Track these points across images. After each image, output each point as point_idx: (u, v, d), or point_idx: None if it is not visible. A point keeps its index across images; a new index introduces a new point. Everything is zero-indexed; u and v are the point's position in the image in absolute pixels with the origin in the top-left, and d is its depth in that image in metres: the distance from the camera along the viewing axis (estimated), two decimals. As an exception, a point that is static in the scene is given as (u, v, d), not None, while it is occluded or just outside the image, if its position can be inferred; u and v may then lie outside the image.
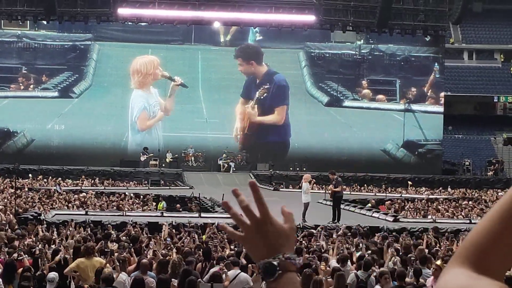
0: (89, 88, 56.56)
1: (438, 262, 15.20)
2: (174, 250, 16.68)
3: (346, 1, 55.92)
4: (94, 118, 55.83)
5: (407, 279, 13.42)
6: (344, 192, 30.40)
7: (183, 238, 19.35)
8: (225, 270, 13.64)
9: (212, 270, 13.90)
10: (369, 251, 17.19)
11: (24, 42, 56.78)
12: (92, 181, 46.47)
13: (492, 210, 1.99)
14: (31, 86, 56.42)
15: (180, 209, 33.64)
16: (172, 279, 12.98)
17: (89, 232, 20.42)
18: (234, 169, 53.88)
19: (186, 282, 12.18)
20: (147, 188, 45.41)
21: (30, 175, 46.50)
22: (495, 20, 68.61)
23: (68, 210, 28.64)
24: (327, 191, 32.35)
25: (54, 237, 18.84)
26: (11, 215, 24.00)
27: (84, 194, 35.50)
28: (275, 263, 2.28)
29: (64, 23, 55.56)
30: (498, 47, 68.25)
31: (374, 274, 13.99)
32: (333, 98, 58.17)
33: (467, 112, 67.10)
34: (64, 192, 36.18)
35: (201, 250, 16.15)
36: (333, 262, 15.29)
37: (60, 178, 45.87)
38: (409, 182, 48.11)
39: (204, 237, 20.26)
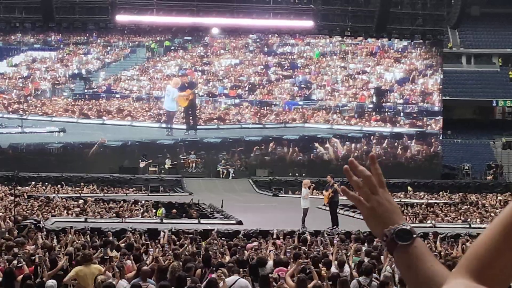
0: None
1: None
2: (172, 256, 16.66)
3: (344, 6, 55.99)
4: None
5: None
6: (341, 197, 30.32)
7: (184, 245, 19.34)
8: (223, 277, 13.63)
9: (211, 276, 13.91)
10: (369, 257, 17.18)
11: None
12: (92, 188, 46.45)
13: (494, 222, 2.01)
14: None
15: (176, 214, 33.63)
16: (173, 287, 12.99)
17: (88, 239, 20.41)
18: (233, 175, 53.89)
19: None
20: (147, 194, 45.37)
21: (33, 182, 46.43)
22: (493, 24, 68.69)
23: (68, 218, 28.60)
24: (322, 196, 32.29)
25: (54, 245, 18.84)
26: (11, 223, 23.99)
27: (83, 201, 35.47)
28: (408, 227, 2.32)
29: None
30: (496, 51, 68.32)
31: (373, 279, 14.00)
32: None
33: (466, 116, 67.16)
34: (64, 200, 36.14)
35: (201, 256, 16.15)
36: (332, 268, 15.30)
37: (59, 185, 45.88)
38: (409, 188, 48.08)
39: (203, 243, 20.25)
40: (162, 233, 21.79)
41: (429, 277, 2.24)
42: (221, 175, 54.02)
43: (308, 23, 56.17)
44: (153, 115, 57.68)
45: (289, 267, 15.21)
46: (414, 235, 2.31)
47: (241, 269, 14.42)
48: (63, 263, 15.33)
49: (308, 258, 16.37)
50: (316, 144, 57.52)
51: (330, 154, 57.42)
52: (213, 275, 13.89)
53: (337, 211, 28.87)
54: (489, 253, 1.98)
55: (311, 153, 57.45)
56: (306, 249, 18.57)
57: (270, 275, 14.26)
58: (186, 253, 16.96)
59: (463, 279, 1.99)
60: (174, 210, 34.81)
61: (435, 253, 18.44)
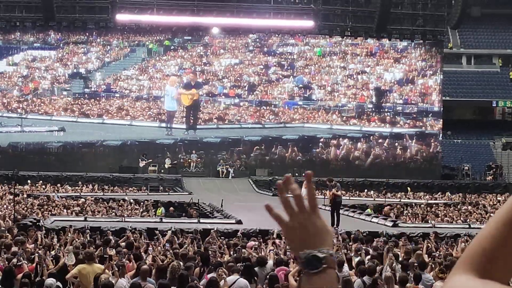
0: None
1: (437, 270, 15.19)
2: (172, 255, 16.65)
3: (345, 6, 55.99)
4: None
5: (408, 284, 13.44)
6: (343, 198, 30.33)
7: (185, 244, 19.34)
8: (224, 276, 13.63)
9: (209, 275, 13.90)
10: (368, 257, 17.19)
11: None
12: (92, 187, 46.46)
13: (496, 216, 1.99)
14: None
15: (174, 211, 33.64)
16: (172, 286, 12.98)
17: (88, 238, 20.41)
18: (233, 175, 53.85)
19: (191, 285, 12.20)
20: (146, 194, 45.36)
21: (28, 181, 46.44)
22: (494, 25, 68.69)
23: (67, 216, 28.60)
24: (325, 197, 32.27)
25: (53, 243, 18.84)
26: (10, 222, 23.99)
27: (83, 200, 35.48)
28: (320, 255, 2.23)
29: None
30: (496, 52, 68.33)
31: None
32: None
33: (466, 117, 67.15)
34: (63, 198, 36.13)
35: (200, 255, 16.13)
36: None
37: (58, 184, 45.89)
38: (409, 188, 48.07)
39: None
40: (158, 233, 21.79)
41: None
42: (220, 175, 54.00)
43: (309, 23, 56.17)
44: (153, 115, 57.65)
45: (289, 266, 15.20)
46: (324, 265, 2.22)
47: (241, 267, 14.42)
48: (63, 261, 15.33)
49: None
50: (320, 145, 57.46)
51: (330, 154, 57.36)
52: (210, 275, 13.87)
53: (339, 211, 28.88)
54: (492, 246, 1.96)
55: (311, 153, 57.38)
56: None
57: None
58: (186, 252, 16.95)
59: (466, 275, 1.97)
60: (171, 208, 34.80)
61: (434, 254, 18.44)
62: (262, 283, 14.14)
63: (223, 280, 13.47)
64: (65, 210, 30.88)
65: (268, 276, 13.53)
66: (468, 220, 31.26)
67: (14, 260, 14.65)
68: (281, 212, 2.36)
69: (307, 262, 2.24)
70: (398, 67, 59.75)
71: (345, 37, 57.55)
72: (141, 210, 33.70)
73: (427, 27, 56.79)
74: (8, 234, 19.57)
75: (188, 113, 57.48)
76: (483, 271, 1.96)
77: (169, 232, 22.05)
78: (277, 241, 20.12)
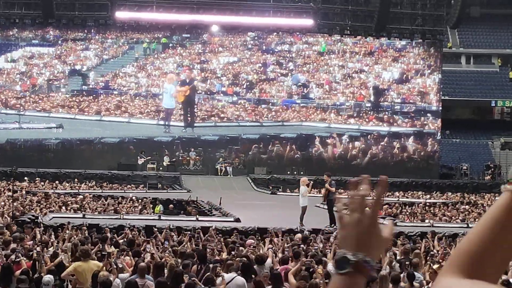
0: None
1: (435, 266, 15.20)
2: (170, 253, 16.65)
3: (344, 5, 56.00)
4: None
5: (402, 284, 13.44)
6: (341, 197, 30.21)
7: (183, 241, 19.34)
8: (222, 273, 13.62)
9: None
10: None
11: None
12: (90, 184, 46.44)
13: (483, 218, 2.04)
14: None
15: (173, 209, 33.62)
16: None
17: (85, 235, 20.40)
18: (231, 173, 53.77)
19: (185, 286, 12.18)
20: (145, 191, 45.35)
21: (26, 178, 46.38)
22: (493, 25, 68.72)
23: (66, 213, 28.57)
24: (320, 194, 32.26)
25: (51, 240, 18.82)
26: (9, 218, 23.96)
27: (81, 197, 35.46)
28: (352, 259, 2.24)
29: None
30: (495, 52, 68.38)
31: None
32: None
33: (464, 116, 67.20)
34: (62, 195, 36.11)
35: (197, 253, 16.11)
36: (330, 266, 15.26)
37: (57, 181, 45.89)
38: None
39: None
40: (156, 231, 21.78)
41: None
42: (219, 173, 54.00)
43: (308, 22, 56.18)
44: (151, 112, 57.63)
45: (288, 264, 15.20)
46: (350, 270, 2.22)
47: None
48: (60, 258, 15.31)
49: (307, 256, 16.34)
50: (317, 143, 57.45)
51: (328, 152, 57.38)
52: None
53: (334, 209, 28.88)
54: (480, 248, 2.00)
55: (309, 151, 57.39)
56: (305, 247, 18.55)
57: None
58: (184, 250, 16.94)
59: (454, 278, 1.99)
60: (171, 206, 34.78)
61: (432, 252, 18.45)
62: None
63: (220, 278, 13.47)
64: (63, 207, 30.84)
65: (271, 275, 13.50)
66: (467, 219, 31.24)
67: (13, 257, 14.64)
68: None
69: (338, 261, 2.26)
70: (396, 66, 59.78)
71: (344, 36, 57.51)
72: (140, 207, 33.66)
73: (426, 27, 56.82)
74: (6, 230, 19.54)
75: (185, 111, 57.47)
76: (472, 272, 1.99)
77: (165, 230, 22.03)
78: (275, 239, 20.11)
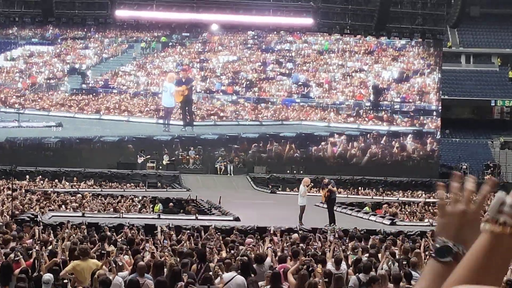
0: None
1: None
2: (170, 252, 16.63)
3: (344, 4, 55.99)
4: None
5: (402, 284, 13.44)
6: (341, 195, 30.33)
7: (182, 240, 19.33)
8: (220, 272, 13.61)
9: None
10: (367, 254, 17.17)
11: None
12: (90, 183, 46.43)
13: (465, 260, 2.10)
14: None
15: (173, 208, 33.60)
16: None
17: (84, 233, 20.38)
18: (232, 172, 53.71)
19: (184, 285, 12.17)
20: (144, 190, 45.35)
21: (27, 176, 46.39)
22: (493, 24, 68.73)
23: (65, 212, 28.56)
24: (319, 194, 32.26)
25: (51, 239, 18.80)
26: (8, 217, 23.93)
27: (80, 195, 35.45)
28: (454, 249, 2.29)
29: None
30: (495, 51, 68.37)
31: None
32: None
33: (464, 116, 67.20)
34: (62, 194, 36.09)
35: (196, 252, 16.09)
36: (329, 265, 15.26)
37: (56, 180, 45.88)
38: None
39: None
40: (159, 228, 21.80)
41: None
42: (218, 172, 54.00)
43: (308, 21, 56.16)
44: (150, 111, 57.62)
45: (287, 263, 15.19)
46: (451, 259, 2.27)
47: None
48: (60, 256, 15.29)
49: (306, 255, 16.34)
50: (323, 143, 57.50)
51: (327, 152, 57.39)
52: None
53: (334, 209, 28.91)
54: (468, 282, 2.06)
55: (308, 150, 57.38)
56: (304, 246, 18.55)
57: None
58: (183, 249, 16.93)
59: None
60: (171, 204, 34.77)
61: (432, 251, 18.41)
62: (260, 280, 14.11)
63: (219, 277, 13.46)
64: (63, 206, 30.83)
65: (271, 274, 13.48)
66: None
67: (12, 255, 14.62)
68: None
69: (439, 249, 2.30)
70: (396, 66, 59.76)
71: (344, 35, 57.49)
72: (139, 206, 33.66)
73: (426, 26, 56.82)
74: (6, 229, 19.52)
75: (184, 110, 57.45)
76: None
77: (164, 228, 22.03)
78: (274, 238, 20.10)
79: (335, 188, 28.21)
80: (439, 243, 2.31)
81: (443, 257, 2.28)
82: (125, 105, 57.36)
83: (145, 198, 36.56)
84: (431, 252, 2.32)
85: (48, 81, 57.52)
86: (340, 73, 59.40)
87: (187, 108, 57.37)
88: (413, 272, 14.34)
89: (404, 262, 15.53)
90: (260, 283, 13.71)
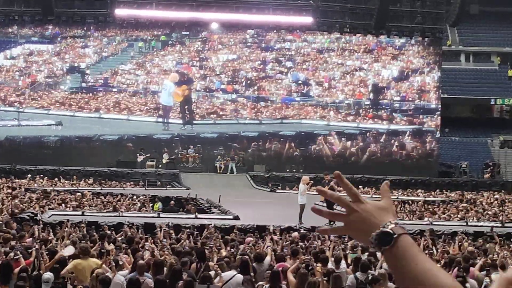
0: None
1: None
2: (169, 251, 16.64)
3: (344, 3, 55.99)
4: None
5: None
6: (340, 194, 30.19)
7: (181, 239, 19.33)
8: (220, 271, 13.61)
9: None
10: (366, 253, 17.17)
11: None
12: (89, 182, 46.40)
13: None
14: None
15: (174, 206, 33.58)
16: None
17: (84, 232, 20.39)
18: (235, 170, 53.63)
19: (184, 283, 12.17)
20: (144, 189, 45.32)
21: (29, 175, 46.34)
22: (492, 23, 68.72)
23: (65, 211, 28.55)
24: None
25: (50, 238, 18.80)
26: (7, 215, 23.93)
27: (80, 194, 35.43)
28: (387, 229, 2.31)
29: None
30: (495, 50, 68.35)
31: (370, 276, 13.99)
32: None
33: (463, 114, 67.18)
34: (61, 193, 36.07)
35: (196, 251, 16.10)
36: (330, 264, 15.27)
37: (56, 179, 45.86)
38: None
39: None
40: (158, 227, 21.80)
41: (415, 276, 2.25)
42: (218, 170, 53.99)
43: (308, 20, 56.18)
44: (150, 110, 57.61)
45: (286, 262, 15.19)
46: (395, 235, 2.28)
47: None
48: (59, 255, 15.28)
49: (305, 254, 16.34)
50: (318, 141, 57.44)
51: (326, 150, 57.38)
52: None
53: (334, 207, 28.86)
54: None
55: (308, 149, 57.38)
56: (303, 245, 18.56)
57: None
58: (183, 248, 16.93)
59: None
60: (172, 202, 34.74)
61: (431, 250, 18.47)
62: (260, 279, 14.12)
63: (218, 276, 13.46)
64: (62, 205, 30.83)
65: (270, 273, 13.48)
66: (466, 217, 31.26)
67: (12, 254, 14.62)
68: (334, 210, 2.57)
69: (379, 241, 2.33)
70: (396, 64, 59.75)
71: (343, 33, 57.49)
72: (138, 205, 33.66)
73: (426, 25, 56.84)
74: (5, 228, 19.53)
75: (183, 108, 57.44)
76: None
77: (164, 226, 22.03)
78: (274, 237, 20.11)
79: (337, 187, 28.13)
80: (373, 240, 2.34)
81: (389, 241, 2.31)
82: (124, 104, 57.35)
83: (144, 197, 36.54)
84: (377, 250, 2.37)
85: (47, 79, 57.50)
86: (339, 72, 59.38)
87: (186, 106, 57.37)
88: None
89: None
90: (260, 283, 13.71)
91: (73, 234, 19.51)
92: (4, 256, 14.66)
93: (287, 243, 18.69)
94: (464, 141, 64.18)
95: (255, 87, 58.62)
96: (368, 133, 58.25)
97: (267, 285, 13.05)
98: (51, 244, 17.24)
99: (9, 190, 32.67)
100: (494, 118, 67.91)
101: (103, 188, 42.76)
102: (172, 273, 13.00)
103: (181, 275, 12.89)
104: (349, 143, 57.79)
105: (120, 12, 55.22)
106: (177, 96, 56.74)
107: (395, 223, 2.32)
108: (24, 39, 57.84)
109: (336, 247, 17.93)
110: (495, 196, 43.54)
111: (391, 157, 57.84)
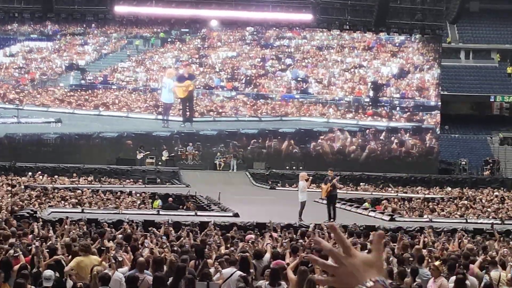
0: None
1: (437, 263, 15.18)
2: (169, 248, 16.62)
3: (344, 0, 55.98)
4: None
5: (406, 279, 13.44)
6: (340, 191, 30.28)
7: (181, 237, 19.32)
8: (220, 268, 13.60)
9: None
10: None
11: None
12: (89, 179, 46.38)
13: None
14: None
15: (172, 202, 33.56)
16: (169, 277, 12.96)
17: (85, 229, 20.37)
18: (235, 167, 53.60)
19: (184, 280, 12.17)
20: (144, 186, 45.32)
21: (29, 173, 46.30)
22: (492, 20, 68.70)
23: (64, 208, 28.53)
24: (319, 189, 32.19)
25: (50, 235, 18.78)
26: (7, 213, 23.91)
27: (80, 191, 35.40)
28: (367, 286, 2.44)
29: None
30: (495, 47, 68.34)
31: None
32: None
33: (463, 111, 67.18)
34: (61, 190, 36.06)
35: (195, 248, 16.09)
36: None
37: (56, 176, 45.86)
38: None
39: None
40: (163, 224, 21.79)
41: None
42: (218, 168, 53.99)
43: (307, 17, 56.16)
44: (149, 107, 57.58)
45: (285, 259, 15.18)
46: None
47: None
48: (59, 253, 15.28)
49: (305, 251, 16.32)
50: (320, 140, 57.43)
51: (325, 147, 57.37)
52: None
53: (335, 205, 28.85)
54: None
55: (308, 146, 57.37)
56: (303, 242, 18.54)
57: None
58: (183, 245, 16.93)
59: None
60: (170, 199, 34.72)
61: (431, 247, 18.44)
62: (259, 276, 14.11)
63: (218, 273, 13.45)
64: (62, 202, 30.81)
65: (269, 270, 13.46)
66: (465, 214, 31.25)
67: (11, 251, 14.61)
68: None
69: None
70: (395, 61, 59.73)
71: (343, 30, 57.46)
72: (138, 202, 33.64)
73: (425, 22, 56.83)
74: (5, 225, 19.51)
75: (184, 106, 57.42)
76: None
77: (164, 223, 22.02)
78: (274, 234, 20.09)
79: (339, 185, 28.11)
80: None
81: None
82: (124, 101, 57.32)
83: (144, 194, 36.54)
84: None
85: (47, 77, 57.46)
86: (339, 69, 59.35)
87: (187, 104, 57.34)
88: (420, 268, 14.34)
89: (411, 259, 15.49)
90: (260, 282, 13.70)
91: (72, 231, 19.49)
92: (4, 254, 14.65)
93: (286, 240, 18.65)
94: (464, 138, 64.18)
95: (255, 84, 58.55)
96: (367, 130, 58.24)
97: (267, 283, 13.04)
98: (50, 242, 17.22)
99: (9, 188, 32.69)
100: (494, 115, 67.91)
101: (102, 186, 42.74)
102: (176, 271, 12.97)
103: (185, 273, 12.87)
104: (348, 139, 57.75)
105: (120, 9, 55.22)
106: (180, 91, 56.61)
107: (374, 281, 2.40)
108: (23, 36, 57.80)
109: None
110: (495, 193, 43.54)
111: (391, 154, 57.84)
